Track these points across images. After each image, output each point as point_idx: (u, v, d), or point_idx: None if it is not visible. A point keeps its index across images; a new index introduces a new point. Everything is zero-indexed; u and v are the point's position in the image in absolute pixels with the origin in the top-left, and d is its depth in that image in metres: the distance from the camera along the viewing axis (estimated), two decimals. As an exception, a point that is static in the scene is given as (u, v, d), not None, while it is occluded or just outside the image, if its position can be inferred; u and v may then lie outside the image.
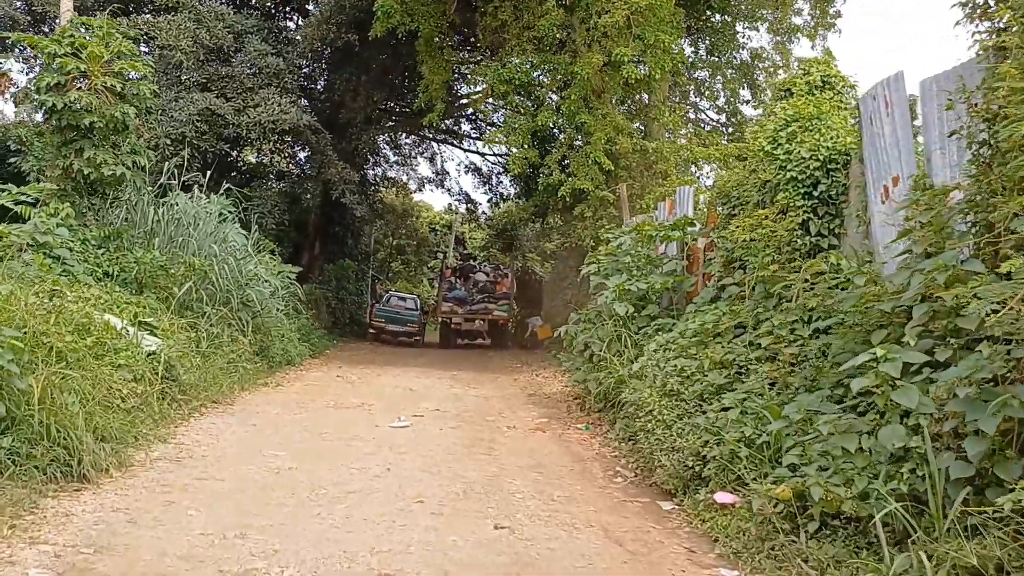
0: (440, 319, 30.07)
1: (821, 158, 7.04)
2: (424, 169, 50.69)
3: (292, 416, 9.62)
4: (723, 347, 7.51)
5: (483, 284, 30.93)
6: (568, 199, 16.20)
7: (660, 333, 9.19)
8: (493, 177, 38.49)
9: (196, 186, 13.80)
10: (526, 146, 16.44)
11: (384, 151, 37.33)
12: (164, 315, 10.13)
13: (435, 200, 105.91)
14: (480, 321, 29.44)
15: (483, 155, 36.82)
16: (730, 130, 19.81)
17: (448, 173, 40.45)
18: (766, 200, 7.50)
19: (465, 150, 36.81)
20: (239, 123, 20.43)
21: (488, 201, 40.06)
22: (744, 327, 7.31)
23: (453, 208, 52.27)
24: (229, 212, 13.76)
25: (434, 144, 37.33)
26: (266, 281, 13.53)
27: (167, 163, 13.93)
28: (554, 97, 16.20)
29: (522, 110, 17.02)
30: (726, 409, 6.59)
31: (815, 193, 7.08)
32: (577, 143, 15.95)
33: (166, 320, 10.00)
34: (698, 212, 11.36)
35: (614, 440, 8.79)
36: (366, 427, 9.04)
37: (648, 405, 7.17)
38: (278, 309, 14.52)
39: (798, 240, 6.93)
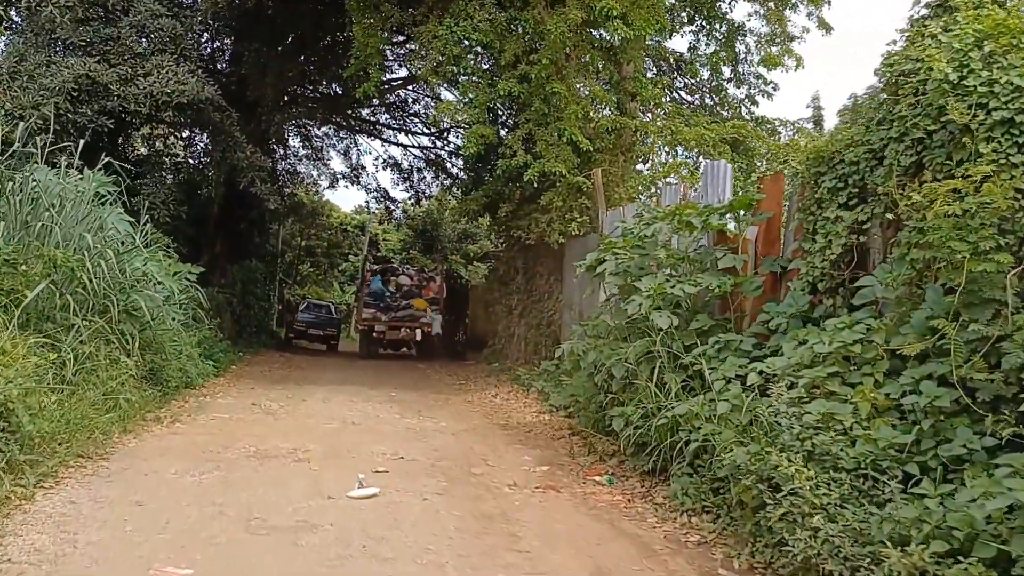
0: (361, 327, 26.84)
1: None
2: (337, 164, 47.05)
3: (199, 480, 6.58)
4: (879, 382, 4.95)
5: (407, 288, 27.92)
6: (535, 185, 13.45)
7: (733, 355, 6.57)
8: (414, 173, 35.53)
9: (68, 164, 10.51)
10: (483, 121, 13.63)
11: (293, 145, 33.93)
12: (3, 331, 6.91)
13: (344, 200, 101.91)
14: (406, 330, 26.37)
15: (406, 147, 33.81)
16: (720, 110, 17.45)
17: (364, 168, 37.15)
18: (943, 157, 4.97)
19: (386, 141, 33.69)
20: (126, 94, 16.92)
21: (409, 199, 37.02)
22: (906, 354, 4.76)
23: (367, 207, 49.10)
24: (110, 193, 10.47)
25: (352, 136, 34.06)
26: (159, 283, 10.31)
27: (24, 132, 10.56)
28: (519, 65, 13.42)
29: (479, 77, 14.18)
30: (919, 496, 4.09)
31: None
32: (544, 119, 13.23)
33: (5, 338, 6.79)
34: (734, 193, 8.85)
35: (674, 507, 6.14)
36: (314, 498, 6.09)
37: (785, 473, 4.52)
38: (174, 319, 11.29)
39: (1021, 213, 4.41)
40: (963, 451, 4.23)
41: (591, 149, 13.15)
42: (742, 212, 7.61)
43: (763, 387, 5.71)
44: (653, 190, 14.10)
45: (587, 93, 13.77)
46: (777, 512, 4.46)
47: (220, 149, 19.75)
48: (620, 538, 5.57)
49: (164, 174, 19.50)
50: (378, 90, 22.21)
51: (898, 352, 4.87)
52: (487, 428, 10.44)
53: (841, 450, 4.54)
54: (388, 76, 29.20)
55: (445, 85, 16.99)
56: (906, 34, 5.61)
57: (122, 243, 10.01)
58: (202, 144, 23.13)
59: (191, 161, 24.35)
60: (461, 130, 31.28)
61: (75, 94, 16.52)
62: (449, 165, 33.76)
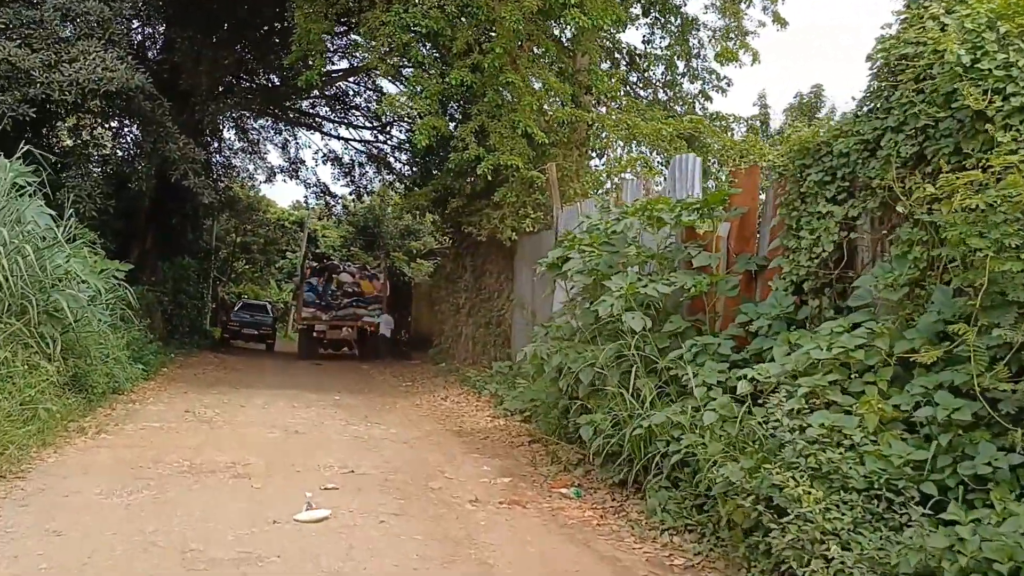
0: (300, 326, 25.93)
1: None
2: (275, 158, 45.63)
3: (126, 502, 5.88)
4: (884, 392, 4.56)
5: (349, 286, 27.09)
6: (489, 178, 12.88)
7: (711, 359, 6.15)
8: (355, 167, 34.62)
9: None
10: (434, 112, 13.00)
11: (228, 138, 32.69)
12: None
13: (281, 195, 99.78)
14: (347, 329, 25.57)
15: (347, 141, 32.87)
16: (673, 106, 17.07)
17: (303, 162, 36.15)
18: (950, 147, 4.59)
19: (326, 135, 32.72)
20: (49, 81, 15.84)
21: (350, 194, 36.12)
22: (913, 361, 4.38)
23: (305, 203, 47.91)
24: (30, 184, 9.58)
25: (291, 128, 32.98)
26: (83, 282, 9.47)
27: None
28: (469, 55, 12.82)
29: (429, 67, 13.53)
30: (947, 522, 3.71)
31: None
32: (498, 111, 12.68)
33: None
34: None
35: (652, 524, 5.69)
36: (258, 523, 5.46)
37: (791, 495, 4.08)
38: (101, 320, 10.45)
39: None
40: (987, 469, 3.85)
41: (546, 142, 12.67)
42: (715, 208, 7.20)
43: (754, 396, 5.29)
44: (608, 185, 13.70)
45: (541, 85, 13.27)
46: (784, 539, 4.02)
47: (151, 140, 18.71)
48: (599, 563, 5.09)
49: (91, 166, 18.32)
50: (320, 81, 21.43)
51: (909, 359, 4.47)
52: (440, 435, 9.88)
53: (850, 468, 4.13)
54: (330, 67, 28.44)
55: (389, 78, 16.21)
56: (903, 16, 5.24)
57: (43, 238, 9.15)
58: (132, 135, 21.96)
59: (120, 153, 23.13)
60: (404, 124, 30.59)
61: (-8, 79, 15.45)
62: (392, 160, 33.01)
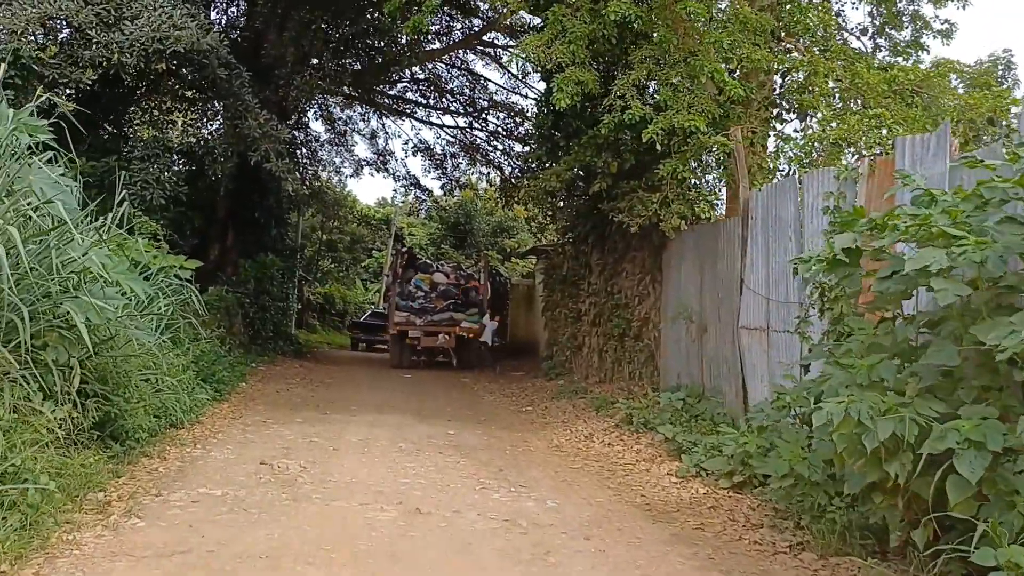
0: (393, 332, 23.08)
1: None
2: (361, 150, 43.18)
3: None
4: None
5: (445, 288, 24.15)
6: (659, 147, 9.55)
7: None
8: (447, 159, 31.83)
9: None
10: (581, 62, 9.77)
11: (314, 130, 30.25)
12: None
13: (365, 192, 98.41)
14: (444, 336, 22.60)
15: (440, 127, 30.10)
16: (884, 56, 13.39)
17: (392, 153, 33.49)
18: None
19: (419, 120, 30.02)
20: (108, 42, 13.27)
21: (442, 187, 33.32)
22: None
23: (392, 199, 45.60)
24: (42, 141, 6.73)
25: (380, 117, 30.40)
26: (113, 284, 6.54)
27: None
28: None
29: (578, 3, 10.18)
30: None
31: None
32: (672, 56, 9.36)
33: None
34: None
35: None
36: None
37: None
38: (148, 339, 7.54)
39: None
40: None
41: (741, 95, 9.30)
42: None
43: None
44: (807, 162, 10.22)
45: (723, 17, 9.89)
46: None
47: (228, 116, 16.07)
48: None
49: (159, 150, 15.69)
50: (421, 48, 18.50)
51: None
52: (624, 516, 6.61)
53: None
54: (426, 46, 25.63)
55: (523, 21, 13.09)
56: None
57: (55, 221, 6.26)
58: (207, 112, 19.42)
59: (192, 137, 20.67)
60: (523, 92, 27.45)
61: (39, 38, 13.01)
62: (490, 149, 30.12)
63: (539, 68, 12.27)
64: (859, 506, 5.25)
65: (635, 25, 9.49)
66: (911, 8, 13.73)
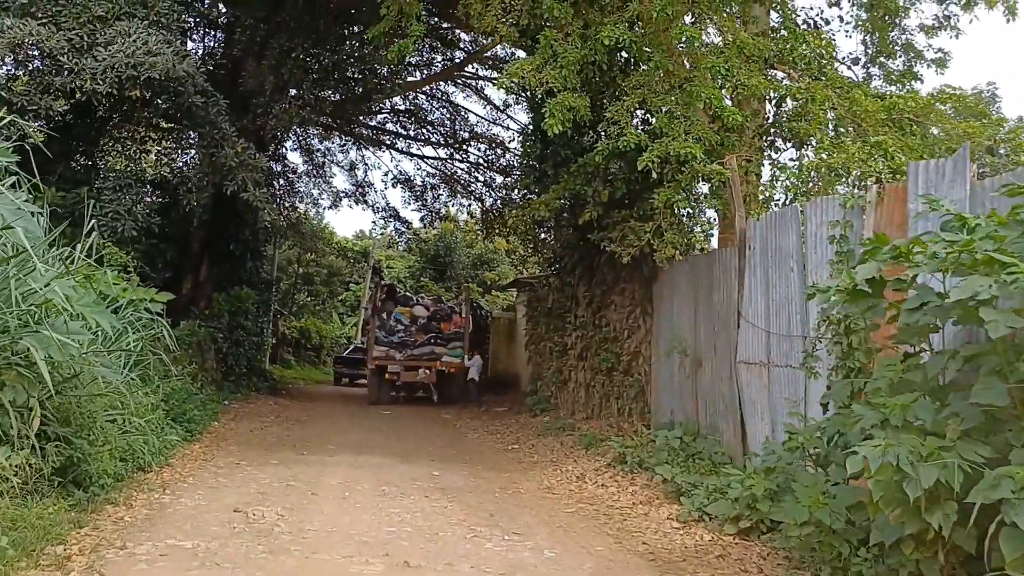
0: (371, 367, 22.48)
1: None
2: (340, 182, 42.92)
3: None
4: None
5: (424, 321, 23.61)
6: (654, 175, 9.21)
7: None
8: (427, 190, 31.51)
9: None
10: (572, 87, 9.47)
11: (292, 161, 29.86)
12: None
13: (343, 225, 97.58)
14: (425, 370, 22.04)
15: (420, 158, 29.84)
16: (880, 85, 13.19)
17: (372, 184, 33.14)
18: None
19: (398, 151, 29.74)
20: (80, 68, 12.82)
21: (421, 219, 32.92)
22: None
23: (370, 232, 45.22)
24: (5, 166, 6.28)
25: (359, 148, 30.09)
26: (78, 318, 6.04)
27: None
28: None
29: (568, 28, 9.88)
30: None
31: None
32: (666, 83, 9.08)
33: None
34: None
35: None
36: None
37: None
38: (115, 377, 7.02)
39: None
40: None
41: (738, 122, 9.02)
42: None
43: None
44: (804, 190, 9.94)
45: (723, 42, 9.63)
46: None
47: (204, 145, 15.61)
48: None
49: (131, 181, 15.15)
50: (396, 86, 18.26)
51: None
52: (629, 566, 6.16)
53: None
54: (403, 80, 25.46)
55: (508, 45, 12.81)
56: None
57: (15, 249, 5.79)
58: (181, 141, 18.96)
59: (166, 169, 20.17)
60: (507, 125, 27.30)
61: (8, 65, 12.56)
62: (471, 180, 29.91)
63: (528, 94, 11.97)
64: (886, 558, 4.84)
65: (628, 51, 9.20)
66: (903, 38, 13.65)
